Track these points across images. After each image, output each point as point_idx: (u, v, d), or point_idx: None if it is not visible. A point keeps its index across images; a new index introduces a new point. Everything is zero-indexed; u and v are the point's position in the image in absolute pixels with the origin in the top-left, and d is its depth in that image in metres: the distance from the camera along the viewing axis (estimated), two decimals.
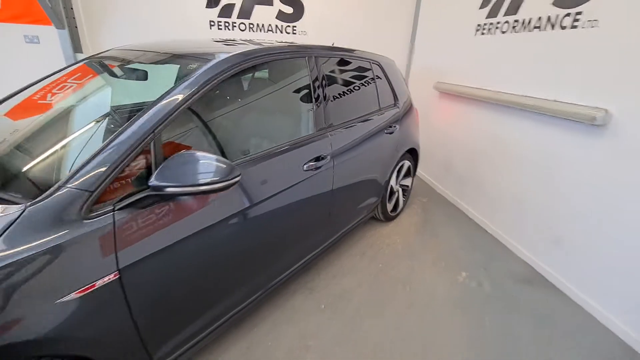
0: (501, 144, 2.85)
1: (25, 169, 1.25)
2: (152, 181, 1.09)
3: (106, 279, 1.03)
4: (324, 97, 1.95)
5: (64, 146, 1.33)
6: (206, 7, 3.86)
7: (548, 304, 2.16)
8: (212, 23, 3.94)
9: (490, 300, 2.17)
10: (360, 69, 2.41)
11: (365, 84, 2.44)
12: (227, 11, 3.91)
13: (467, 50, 3.28)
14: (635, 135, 1.83)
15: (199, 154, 1.16)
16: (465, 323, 1.96)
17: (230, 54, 1.47)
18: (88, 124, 1.44)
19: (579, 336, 1.92)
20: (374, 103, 2.49)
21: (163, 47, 1.77)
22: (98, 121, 1.42)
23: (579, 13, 2.13)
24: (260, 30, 4.07)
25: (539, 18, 2.43)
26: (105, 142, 1.10)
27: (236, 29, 4.01)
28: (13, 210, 0.94)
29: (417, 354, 1.74)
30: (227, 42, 1.97)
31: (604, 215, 2.02)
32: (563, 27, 2.25)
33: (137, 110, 1.25)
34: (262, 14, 4.00)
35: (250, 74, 1.71)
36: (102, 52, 2.00)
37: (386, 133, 2.50)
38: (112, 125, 1.36)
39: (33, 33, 3.65)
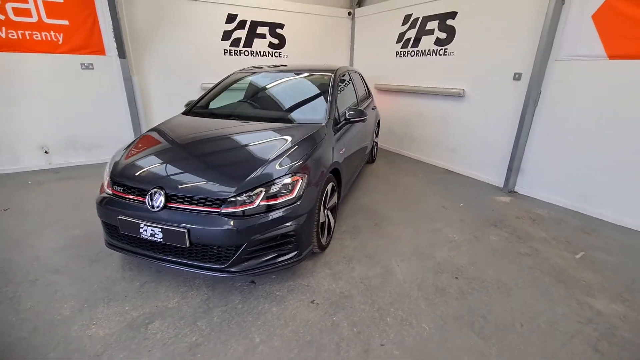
0: (419, 112, 5.46)
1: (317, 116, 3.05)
2: (345, 117, 3.05)
3: (343, 150, 2.96)
4: (356, 89, 4.08)
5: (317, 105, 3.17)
6: (221, 40, 5.47)
7: (458, 179, 4.75)
8: (226, 51, 5.56)
9: (433, 181, 4.64)
10: (357, 76, 4.60)
11: (359, 84, 4.64)
12: (236, 43, 5.59)
13: (392, 65, 5.85)
14: (474, 99, 4.56)
15: (356, 107, 3.15)
16: (426, 188, 4.35)
17: (339, 68, 3.51)
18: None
19: (472, 185, 4.52)
20: (365, 93, 4.72)
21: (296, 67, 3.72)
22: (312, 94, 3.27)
23: (446, 49, 4.83)
24: (258, 55, 5.85)
25: (429, 49, 5.10)
26: (326, 104, 3.02)
27: (242, 54, 5.70)
28: (321, 125, 2.80)
29: (415, 195, 4.01)
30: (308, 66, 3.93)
31: (468, 133, 4.72)
32: (440, 55, 4.94)
33: (322, 92, 3.18)
34: (259, 44, 5.82)
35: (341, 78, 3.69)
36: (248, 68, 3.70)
37: (372, 109, 4.76)
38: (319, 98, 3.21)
39: (88, 61, 4.65)
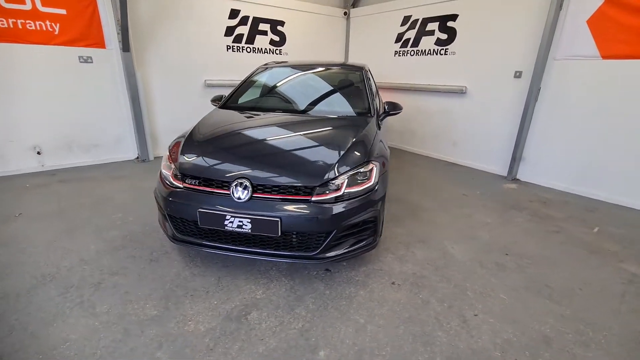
0: (420, 109, 5.76)
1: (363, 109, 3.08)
2: (385, 110, 3.18)
3: (386, 141, 3.08)
4: (375, 85, 4.23)
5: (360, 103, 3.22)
6: (224, 35, 5.36)
7: (463, 170, 5.09)
8: (229, 47, 5.45)
9: (442, 172, 4.93)
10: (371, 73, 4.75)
11: (374, 80, 4.80)
12: (238, 39, 5.50)
13: (391, 64, 6.09)
14: (475, 95, 4.93)
15: (392, 100, 3.29)
16: (439, 178, 4.62)
17: (359, 64, 3.63)
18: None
19: (477, 175, 4.87)
20: (377, 89, 4.89)
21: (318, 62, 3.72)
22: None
23: (447, 49, 5.16)
24: (259, 52, 5.80)
25: (429, 49, 5.40)
26: (368, 98, 3.12)
27: (244, 51, 5.61)
28: (372, 117, 2.90)
29: (432, 185, 4.25)
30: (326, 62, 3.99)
31: (470, 127, 5.08)
32: (441, 54, 5.26)
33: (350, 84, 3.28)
34: (261, 41, 5.77)
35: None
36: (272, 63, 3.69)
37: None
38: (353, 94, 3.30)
39: (87, 54, 4.34)
